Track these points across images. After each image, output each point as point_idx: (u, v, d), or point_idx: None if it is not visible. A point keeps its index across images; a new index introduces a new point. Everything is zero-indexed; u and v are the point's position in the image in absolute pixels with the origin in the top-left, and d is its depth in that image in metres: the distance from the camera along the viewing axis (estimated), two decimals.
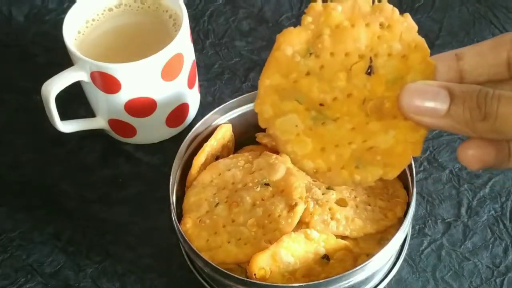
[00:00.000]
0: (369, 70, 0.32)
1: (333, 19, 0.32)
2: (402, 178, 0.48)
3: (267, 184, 0.47)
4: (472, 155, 0.31)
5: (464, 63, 0.32)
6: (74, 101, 0.58)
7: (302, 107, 0.33)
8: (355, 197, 0.47)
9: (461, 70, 0.33)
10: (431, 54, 0.33)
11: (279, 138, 0.34)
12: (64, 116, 0.54)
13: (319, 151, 0.33)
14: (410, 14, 0.33)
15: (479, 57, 0.32)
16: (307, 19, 0.33)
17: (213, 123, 0.51)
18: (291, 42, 0.32)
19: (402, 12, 0.33)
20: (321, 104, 0.33)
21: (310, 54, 0.32)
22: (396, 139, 0.33)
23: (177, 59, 0.52)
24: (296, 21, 0.68)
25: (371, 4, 0.33)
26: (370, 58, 0.32)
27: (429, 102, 0.30)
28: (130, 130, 0.56)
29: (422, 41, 0.33)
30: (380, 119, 0.33)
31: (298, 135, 0.33)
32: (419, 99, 0.30)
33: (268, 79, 0.33)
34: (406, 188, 0.48)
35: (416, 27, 0.33)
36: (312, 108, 0.33)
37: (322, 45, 0.32)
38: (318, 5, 0.33)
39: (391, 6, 0.33)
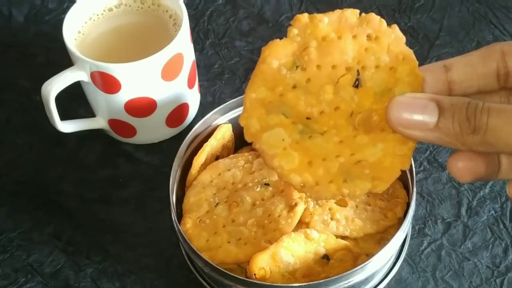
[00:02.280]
0: (356, 83, 0.32)
1: (320, 31, 0.32)
2: (402, 178, 0.48)
3: (267, 184, 0.47)
4: (462, 168, 0.31)
5: (452, 74, 0.32)
6: (74, 101, 0.58)
7: (288, 121, 0.33)
8: None
9: (450, 81, 0.32)
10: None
11: (265, 153, 0.33)
12: (64, 116, 0.54)
13: (306, 165, 0.33)
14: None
15: (468, 68, 0.32)
16: (293, 31, 0.32)
17: (213, 123, 0.51)
18: (277, 55, 0.32)
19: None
20: (308, 118, 0.33)
21: (297, 67, 0.32)
22: (384, 152, 0.32)
23: (177, 59, 0.52)
24: None
25: (358, 15, 0.32)
26: (358, 71, 0.32)
27: (418, 115, 0.29)
28: (130, 130, 0.56)
29: (410, 52, 0.32)
30: (368, 132, 0.32)
31: (285, 149, 0.33)
32: (407, 112, 0.30)
33: (254, 93, 0.33)
34: (406, 188, 0.48)
35: (404, 39, 0.32)
36: (299, 121, 0.33)
37: (309, 58, 0.32)
38: (304, 17, 0.32)
39: (378, 17, 0.32)
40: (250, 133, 0.33)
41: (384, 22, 0.32)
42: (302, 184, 0.33)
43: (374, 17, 0.32)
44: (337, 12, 0.32)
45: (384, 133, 0.32)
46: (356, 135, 0.32)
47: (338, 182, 0.33)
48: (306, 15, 0.33)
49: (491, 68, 0.31)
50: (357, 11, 0.33)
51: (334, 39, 0.32)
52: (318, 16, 0.32)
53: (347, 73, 0.32)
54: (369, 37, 0.32)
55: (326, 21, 0.32)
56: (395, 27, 0.32)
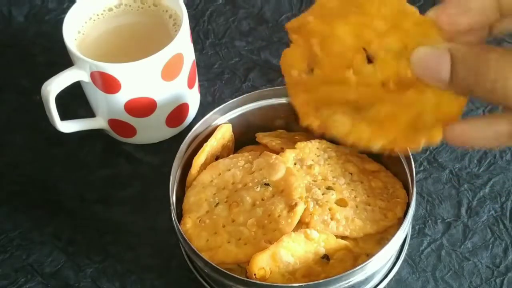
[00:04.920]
0: (368, 60, 0.33)
1: (312, 28, 0.33)
2: (402, 178, 0.48)
3: (267, 184, 0.47)
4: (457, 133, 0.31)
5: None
6: (74, 101, 0.58)
7: (340, 109, 0.34)
8: (355, 197, 0.47)
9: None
10: None
11: (338, 136, 0.34)
12: (64, 116, 0.54)
13: (378, 130, 0.33)
14: None
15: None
16: (293, 36, 0.34)
17: (213, 123, 0.51)
18: (292, 64, 0.34)
19: None
20: (349, 103, 0.34)
21: (312, 69, 0.33)
22: (436, 94, 0.32)
23: (177, 59, 0.52)
24: None
25: None
26: (364, 49, 0.32)
27: (435, 65, 0.30)
28: (130, 130, 0.56)
29: (402, 4, 0.33)
30: (408, 88, 0.32)
31: (354, 125, 0.34)
32: (426, 65, 0.30)
33: (296, 99, 0.35)
34: (406, 188, 0.48)
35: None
36: (346, 108, 0.34)
37: (317, 56, 0.33)
38: (292, 23, 0.34)
39: None
40: (315, 127, 0.35)
41: None
42: (384, 146, 0.33)
43: None
44: (316, 4, 0.33)
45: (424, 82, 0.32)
46: (401, 95, 0.33)
47: (412, 135, 0.33)
48: (294, 20, 0.34)
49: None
50: None
51: (327, 30, 0.33)
52: (302, 17, 0.33)
53: (357, 54, 0.33)
54: (355, 12, 0.33)
55: (311, 19, 0.33)
56: None
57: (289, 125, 0.53)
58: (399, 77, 0.32)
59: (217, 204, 0.47)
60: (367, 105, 0.33)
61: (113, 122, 0.56)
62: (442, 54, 0.30)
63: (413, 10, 0.33)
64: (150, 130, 0.57)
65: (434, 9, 0.32)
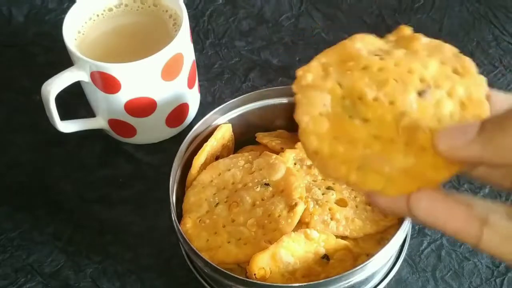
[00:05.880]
0: (421, 92, 0.31)
1: (414, 44, 0.33)
2: None
3: (267, 184, 0.47)
4: (424, 207, 0.28)
5: None
6: (74, 101, 0.58)
7: (339, 93, 0.32)
8: (355, 197, 0.47)
9: None
10: None
11: (301, 105, 0.32)
12: (64, 116, 0.54)
13: (331, 137, 0.32)
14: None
15: None
16: (390, 37, 0.33)
17: (213, 123, 0.51)
18: (365, 40, 0.33)
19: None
20: (359, 98, 0.32)
21: (377, 55, 0.32)
22: (413, 168, 0.30)
23: (177, 59, 0.52)
24: (296, 21, 0.68)
25: (454, 52, 0.33)
26: (429, 85, 0.31)
27: (461, 133, 0.28)
28: (130, 130, 0.56)
29: (486, 104, 0.31)
30: (407, 142, 0.31)
31: (321, 114, 0.32)
32: (453, 135, 0.28)
33: (325, 58, 0.33)
34: None
35: (486, 90, 0.31)
36: (348, 97, 0.32)
37: (391, 54, 0.32)
38: (407, 30, 0.33)
39: (470, 59, 0.32)
40: (300, 83, 0.33)
41: (474, 65, 0.32)
42: (315, 150, 0.32)
43: (468, 60, 0.32)
44: (436, 42, 0.33)
45: (423, 152, 0.30)
46: (394, 138, 0.31)
47: (351, 167, 0.31)
48: (410, 29, 0.33)
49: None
50: (456, 49, 0.33)
51: (423, 53, 0.32)
52: (419, 35, 0.33)
53: (418, 81, 0.32)
54: (455, 70, 0.32)
55: (423, 39, 0.33)
56: (484, 79, 0.32)
57: (289, 125, 0.53)
58: (417, 127, 0.31)
59: (217, 204, 0.47)
60: (364, 113, 0.32)
61: (113, 122, 0.56)
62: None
63: (487, 113, 0.31)
64: (150, 130, 0.57)
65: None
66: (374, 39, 0.33)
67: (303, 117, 0.32)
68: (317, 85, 0.33)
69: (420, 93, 0.31)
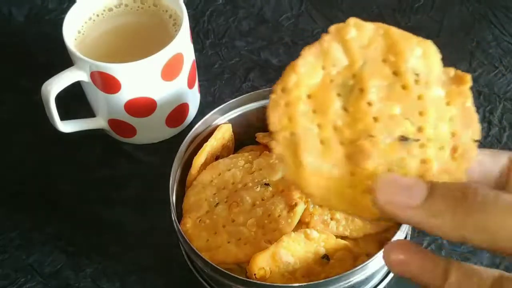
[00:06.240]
0: (404, 138, 0.29)
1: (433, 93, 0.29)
2: None
3: (267, 184, 0.47)
4: (393, 260, 0.28)
5: None
6: (74, 101, 0.58)
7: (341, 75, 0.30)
8: None
9: None
10: None
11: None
12: (64, 116, 0.54)
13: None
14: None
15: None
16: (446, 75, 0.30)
17: (213, 123, 0.51)
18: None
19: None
20: (360, 89, 0.30)
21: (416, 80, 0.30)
22: (351, 193, 0.29)
23: (177, 59, 0.52)
24: (296, 21, 0.68)
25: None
26: (419, 140, 0.29)
27: (405, 191, 0.26)
28: (130, 130, 0.56)
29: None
30: (351, 169, 0.29)
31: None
32: (395, 188, 0.27)
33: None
34: None
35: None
36: (349, 82, 0.30)
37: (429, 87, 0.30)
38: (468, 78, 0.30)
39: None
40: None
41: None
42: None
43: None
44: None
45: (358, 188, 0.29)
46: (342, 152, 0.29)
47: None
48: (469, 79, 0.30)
49: (494, 170, 0.29)
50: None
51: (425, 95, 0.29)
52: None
53: (414, 129, 0.29)
54: (451, 118, 0.29)
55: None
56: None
57: None
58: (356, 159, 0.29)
59: (217, 204, 0.47)
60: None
61: (113, 122, 0.56)
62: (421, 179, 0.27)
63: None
64: (150, 130, 0.57)
65: None
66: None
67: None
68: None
69: (403, 139, 0.29)
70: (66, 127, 0.55)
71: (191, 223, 0.46)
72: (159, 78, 0.52)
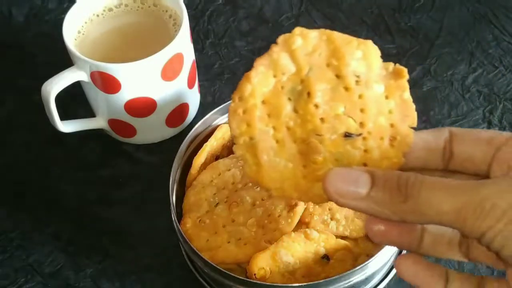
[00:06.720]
0: (348, 135, 0.32)
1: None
2: None
3: None
4: (376, 231, 0.31)
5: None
6: (74, 101, 0.58)
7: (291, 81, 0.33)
8: None
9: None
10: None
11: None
12: (64, 116, 0.54)
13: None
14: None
15: (421, 140, 0.32)
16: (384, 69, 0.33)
17: (213, 123, 0.51)
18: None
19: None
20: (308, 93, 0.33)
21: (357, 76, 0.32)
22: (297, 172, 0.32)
23: (177, 59, 0.52)
24: (296, 21, 0.68)
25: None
26: (362, 134, 0.32)
27: (351, 185, 0.30)
28: (130, 130, 0.57)
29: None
30: (303, 158, 0.32)
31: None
32: (341, 181, 0.30)
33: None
34: None
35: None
36: (296, 86, 0.33)
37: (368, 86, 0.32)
38: (405, 72, 0.32)
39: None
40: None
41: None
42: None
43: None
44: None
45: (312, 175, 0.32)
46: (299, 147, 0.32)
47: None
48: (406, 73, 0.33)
49: (439, 145, 0.32)
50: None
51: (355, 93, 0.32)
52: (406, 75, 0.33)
53: (358, 126, 0.32)
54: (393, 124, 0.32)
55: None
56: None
57: None
58: (311, 151, 0.32)
59: (217, 204, 0.47)
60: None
61: (113, 122, 0.56)
62: (364, 170, 0.30)
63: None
64: (150, 130, 0.57)
65: None
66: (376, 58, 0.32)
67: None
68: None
69: (347, 135, 0.32)
70: (66, 127, 0.55)
71: (191, 223, 0.46)
72: (159, 78, 0.52)
